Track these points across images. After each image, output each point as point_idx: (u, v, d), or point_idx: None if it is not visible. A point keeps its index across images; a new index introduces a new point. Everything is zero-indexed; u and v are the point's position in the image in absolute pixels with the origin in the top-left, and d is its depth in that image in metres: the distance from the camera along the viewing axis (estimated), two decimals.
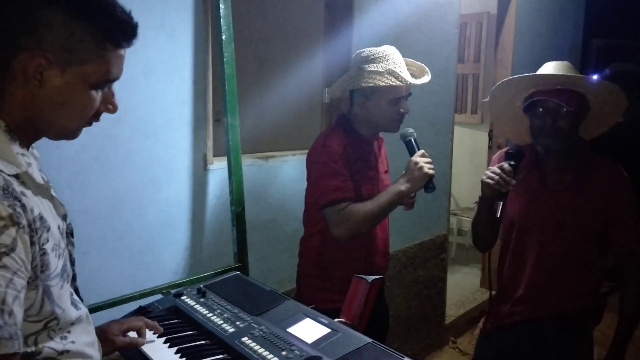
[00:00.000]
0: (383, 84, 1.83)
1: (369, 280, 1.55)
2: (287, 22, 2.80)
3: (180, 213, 2.09)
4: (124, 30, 0.94)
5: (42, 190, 0.94)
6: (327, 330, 1.38)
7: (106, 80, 0.95)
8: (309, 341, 1.35)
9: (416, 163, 1.83)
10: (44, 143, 1.64)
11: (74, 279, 1.03)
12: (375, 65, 1.86)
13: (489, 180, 1.77)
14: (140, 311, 1.61)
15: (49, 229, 0.89)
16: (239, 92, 2.04)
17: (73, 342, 0.95)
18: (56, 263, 0.91)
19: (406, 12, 3.00)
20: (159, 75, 1.94)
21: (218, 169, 2.17)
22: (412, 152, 1.91)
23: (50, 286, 0.89)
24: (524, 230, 1.91)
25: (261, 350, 1.33)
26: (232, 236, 2.05)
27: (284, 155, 2.48)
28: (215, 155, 2.19)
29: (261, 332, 1.41)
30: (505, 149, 1.92)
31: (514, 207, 1.92)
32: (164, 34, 1.94)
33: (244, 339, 1.39)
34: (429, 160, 1.85)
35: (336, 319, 1.48)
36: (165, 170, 2.02)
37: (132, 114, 1.88)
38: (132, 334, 1.39)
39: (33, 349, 0.88)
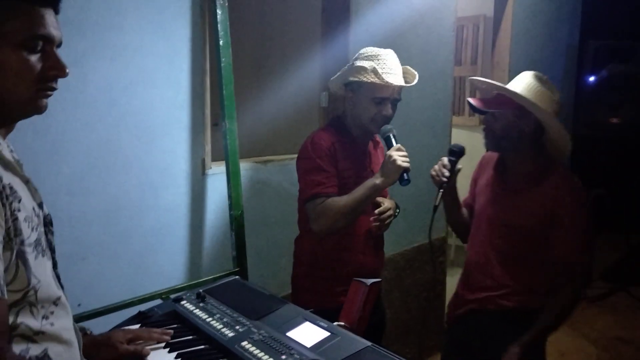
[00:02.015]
0: (365, 79, 1.88)
1: (368, 284, 1.56)
2: (284, 27, 2.81)
3: (179, 218, 2.09)
4: None
5: (13, 168, 0.95)
6: (326, 334, 1.38)
7: (31, 36, 0.92)
8: (308, 345, 1.35)
9: (390, 156, 1.84)
10: (42, 149, 1.65)
11: (54, 266, 1.03)
12: (364, 61, 1.91)
13: (432, 172, 1.95)
14: (140, 316, 1.61)
15: (20, 200, 0.90)
16: (237, 96, 2.05)
17: (52, 325, 0.95)
18: (29, 233, 0.91)
19: (403, 16, 3.01)
20: (156, 81, 1.95)
21: (216, 173, 2.17)
22: (390, 147, 1.92)
23: (24, 252, 0.90)
24: (479, 225, 2.02)
25: (261, 354, 1.33)
26: (230, 240, 2.05)
27: (282, 159, 2.48)
28: (213, 160, 2.19)
29: (261, 337, 1.41)
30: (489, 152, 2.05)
31: (477, 204, 2.07)
32: (161, 39, 1.94)
33: (244, 343, 1.39)
34: (404, 153, 1.86)
35: (335, 323, 1.48)
36: (164, 175, 2.02)
37: (130, 119, 1.89)
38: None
39: (11, 320, 0.88)
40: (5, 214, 0.86)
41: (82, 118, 1.76)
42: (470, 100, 1.92)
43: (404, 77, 1.98)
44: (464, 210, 2.13)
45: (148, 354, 1.37)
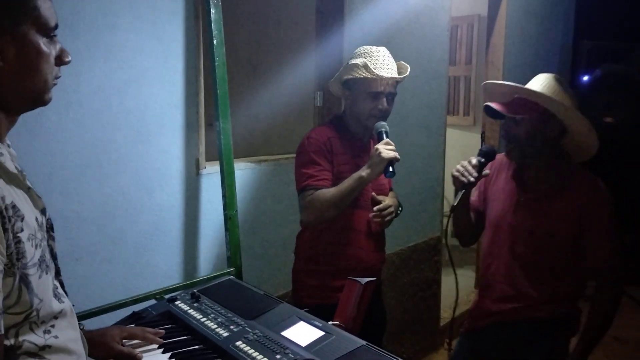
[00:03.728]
0: (358, 75, 1.94)
1: (363, 283, 1.56)
2: (279, 26, 2.80)
3: (173, 218, 2.09)
4: None
5: (16, 180, 0.93)
6: (321, 333, 1.38)
7: (48, 27, 0.94)
8: (303, 344, 1.35)
9: (376, 149, 1.87)
10: (35, 149, 1.64)
11: (57, 273, 1.02)
12: (357, 59, 1.96)
13: (456, 173, 1.85)
14: (134, 317, 1.61)
15: (22, 218, 0.88)
16: (231, 96, 2.04)
17: (56, 337, 0.93)
18: (32, 252, 0.90)
19: (397, 16, 3.01)
20: (150, 80, 1.94)
21: (211, 173, 2.16)
22: None
23: (27, 275, 0.88)
24: (498, 234, 1.93)
25: (255, 354, 1.33)
26: (225, 240, 2.05)
27: (276, 159, 2.48)
28: (207, 160, 2.19)
29: (255, 336, 1.41)
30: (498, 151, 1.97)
31: (493, 211, 1.97)
32: (155, 38, 1.94)
33: (238, 343, 1.39)
34: (391, 147, 1.87)
35: (330, 322, 1.48)
36: (158, 175, 2.01)
37: (124, 119, 1.88)
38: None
39: (13, 341, 0.87)
40: (7, 240, 0.84)
41: (76, 118, 1.75)
42: (490, 104, 1.81)
43: (398, 72, 2.00)
44: (471, 214, 2.04)
45: (141, 358, 1.36)
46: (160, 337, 1.46)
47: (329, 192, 1.91)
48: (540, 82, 1.81)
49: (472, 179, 1.81)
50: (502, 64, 4.17)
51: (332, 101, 2.70)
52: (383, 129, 1.95)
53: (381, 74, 1.92)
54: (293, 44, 2.85)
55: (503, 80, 4.13)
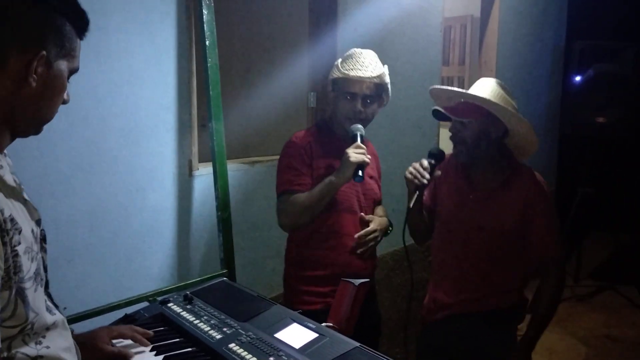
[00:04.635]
0: (332, 76, 1.96)
1: (356, 284, 1.55)
2: (272, 27, 2.80)
3: (166, 220, 2.08)
4: (86, 21, 1.00)
5: (14, 193, 0.93)
6: (314, 335, 1.38)
7: (74, 68, 1.00)
8: (297, 346, 1.35)
9: (346, 153, 1.86)
10: (25, 151, 1.63)
11: (46, 285, 1.01)
12: (339, 61, 1.98)
13: (408, 175, 1.90)
14: (127, 319, 1.60)
15: (20, 232, 0.88)
16: (224, 97, 2.04)
17: (48, 347, 0.93)
18: (29, 266, 0.90)
19: (390, 16, 3.02)
20: (142, 82, 1.93)
21: (203, 174, 2.16)
22: None
23: (24, 288, 0.88)
24: (449, 229, 2.02)
25: (248, 356, 1.33)
26: (218, 242, 2.04)
27: (269, 160, 2.47)
28: (200, 161, 2.18)
29: (248, 338, 1.41)
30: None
31: (444, 208, 2.05)
32: (147, 40, 1.93)
33: (232, 345, 1.38)
34: (360, 150, 1.86)
35: (323, 324, 1.48)
36: (150, 176, 2.00)
37: (116, 121, 1.87)
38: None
39: (5, 354, 0.87)
40: (5, 253, 0.85)
41: (67, 120, 1.74)
42: (437, 107, 1.91)
43: (377, 75, 1.94)
44: (424, 213, 2.10)
45: (132, 356, 1.37)
46: (151, 339, 1.45)
47: (302, 196, 1.91)
48: (484, 87, 1.90)
49: (424, 182, 1.88)
50: (495, 65, 4.18)
51: (325, 102, 2.70)
52: (358, 132, 1.92)
53: (350, 73, 1.91)
54: (286, 45, 2.85)
55: (496, 79, 4.14)
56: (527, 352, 1.93)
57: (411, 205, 1.90)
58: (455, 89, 1.97)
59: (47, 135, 1.70)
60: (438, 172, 1.95)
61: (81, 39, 1.01)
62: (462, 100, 1.92)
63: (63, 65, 0.96)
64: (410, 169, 1.91)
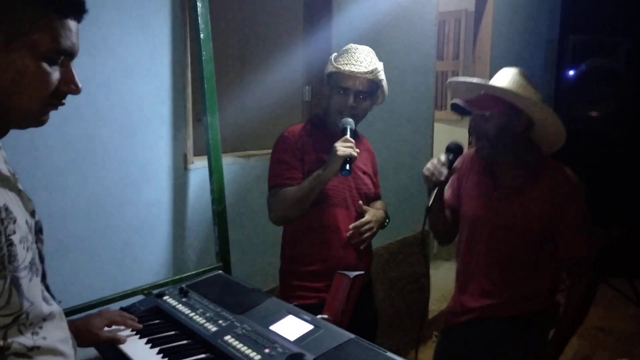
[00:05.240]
0: (328, 70, 1.97)
1: (351, 277, 1.56)
2: (267, 21, 2.79)
3: (161, 213, 2.08)
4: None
5: (8, 183, 0.92)
6: (309, 327, 1.39)
7: (56, 50, 0.89)
8: (292, 338, 1.35)
9: (334, 146, 1.84)
10: (20, 145, 1.62)
11: (44, 276, 1.01)
12: (335, 55, 1.99)
13: (426, 172, 1.84)
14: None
15: (15, 221, 0.87)
16: (219, 91, 2.03)
17: (44, 338, 0.93)
18: (24, 255, 0.89)
19: (385, 10, 3.01)
20: (136, 75, 1.93)
21: (199, 168, 2.15)
22: None
23: (19, 278, 0.88)
24: (474, 229, 1.93)
25: (244, 348, 1.33)
26: (213, 235, 2.04)
27: (265, 154, 2.47)
28: (195, 155, 2.18)
29: (244, 331, 1.41)
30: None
31: (467, 207, 1.96)
32: (141, 32, 1.92)
33: (227, 337, 1.39)
34: (348, 144, 1.83)
35: (319, 316, 1.48)
36: (145, 170, 2.00)
37: (110, 114, 1.86)
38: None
39: (1, 343, 0.87)
40: (0, 242, 0.84)
41: (60, 112, 1.69)
42: (456, 100, 1.82)
43: (370, 71, 1.93)
44: (447, 211, 2.03)
45: (125, 341, 1.42)
46: (147, 332, 1.47)
47: (291, 190, 1.90)
48: (505, 77, 1.81)
49: (442, 178, 1.81)
50: (489, 59, 4.19)
51: (321, 96, 2.70)
52: (348, 126, 1.91)
53: (343, 68, 1.91)
54: (281, 39, 2.84)
55: (490, 75, 4.15)
56: (555, 358, 1.83)
57: (430, 203, 1.83)
58: (474, 79, 1.86)
59: (41, 128, 1.69)
60: (456, 166, 1.87)
61: (66, 16, 0.90)
62: (482, 92, 1.81)
63: (20, 46, 0.85)
64: (428, 165, 1.85)
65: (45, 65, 0.89)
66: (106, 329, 1.45)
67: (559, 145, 1.86)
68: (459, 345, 1.99)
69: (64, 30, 0.90)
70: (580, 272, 1.82)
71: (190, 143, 2.13)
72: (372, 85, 1.96)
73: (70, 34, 0.91)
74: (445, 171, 1.81)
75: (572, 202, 1.79)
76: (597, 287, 1.86)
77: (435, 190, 1.83)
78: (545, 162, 1.86)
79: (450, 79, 1.95)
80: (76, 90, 0.95)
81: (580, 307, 1.82)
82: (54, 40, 0.88)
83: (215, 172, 1.99)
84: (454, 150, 1.87)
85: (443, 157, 1.85)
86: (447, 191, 1.99)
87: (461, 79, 1.89)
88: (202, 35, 1.92)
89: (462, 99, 1.81)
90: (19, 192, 0.96)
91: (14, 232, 0.87)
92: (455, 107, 1.83)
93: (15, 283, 0.87)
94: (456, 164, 1.88)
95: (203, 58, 1.93)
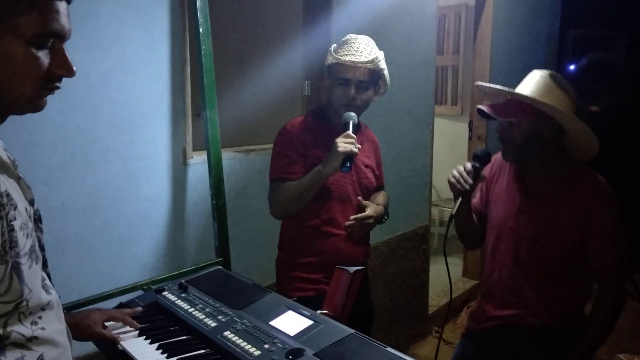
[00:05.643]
0: (328, 61, 1.96)
1: (351, 272, 1.56)
2: (266, 15, 2.78)
3: (160, 208, 2.07)
4: None
5: (8, 169, 0.92)
6: (309, 322, 1.38)
7: (44, 33, 0.86)
8: (292, 334, 1.35)
9: (335, 143, 1.82)
10: (18, 140, 1.61)
11: (45, 264, 1.01)
12: (334, 46, 1.98)
13: (452, 179, 1.82)
14: (121, 308, 1.60)
15: (15, 207, 0.87)
16: (219, 85, 2.03)
17: (43, 329, 0.93)
18: (24, 242, 0.88)
19: (385, 4, 3.00)
20: (135, 69, 1.92)
21: (198, 163, 2.15)
22: None
23: (20, 264, 0.87)
24: (500, 240, 1.87)
25: (243, 344, 1.33)
26: (213, 230, 2.04)
27: (264, 149, 2.47)
28: (195, 150, 2.17)
29: (243, 326, 1.41)
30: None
31: (495, 215, 1.91)
32: (140, 27, 1.91)
33: (226, 333, 1.39)
34: (349, 140, 1.82)
35: (318, 311, 1.48)
36: (144, 165, 2.00)
37: (109, 109, 1.86)
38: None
39: (1, 331, 0.86)
40: (2, 227, 0.83)
41: (59, 107, 1.72)
42: (482, 107, 1.74)
43: (370, 61, 1.91)
44: (474, 217, 1.98)
45: (120, 340, 1.41)
46: (145, 327, 1.47)
47: (292, 185, 1.90)
48: (533, 83, 1.73)
49: (467, 187, 1.78)
50: (490, 54, 4.17)
51: (320, 91, 2.69)
52: (351, 120, 1.89)
53: (343, 58, 1.90)
54: (280, 33, 2.83)
55: (490, 70, 4.15)
56: None
57: (454, 212, 1.80)
58: (502, 88, 1.76)
59: (39, 123, 1.70)
60: (483, 174, 1.82)
61: (68, 2, 0.88)
62: (509, 97, 1.75)
63: (5, 31, 0.83)
64: (454, 172, 1.80)
65: (33, 50, 0.86)
66: (106, 324, 1.45)
67: (592, 154, 1.76)
68: (480, 350, 1.95)
69: (50, 12, 0.87)
70: (610, 286, 1.76)
71: (189, 138, 2.13)
72: (373, 75, 1.95)
73: (58, 16, 0.88)
74: (470, 181, 1.78)
75: (605, 213, 1.72)
76: (624, 301, 1.79)
77: (460, 200, 1.80)
78: (577, 170, 1.78)
79: (477, 83, 1.90)
80: (69, 73, 0.92)
81: (607, 320, 1.77)
82: (40, 23, 0.85)
83: (214, 167, 1.99)
84: (481, 158, 1.83)
85: (469, 165, 1.81)
86: (476, 195, 1.96)
87: (486, 84, 1.82)
88: (201, 30, 1.91)
89: (487, 105, 1.75)
90: (18, 180, 0.95)
91: (15, 219, 0.86)
92: (481, 112, 1.76)
93: (17, 269, 0.86)
94: (484, 172, 1.84)
95: (202, 52, 1.92)
